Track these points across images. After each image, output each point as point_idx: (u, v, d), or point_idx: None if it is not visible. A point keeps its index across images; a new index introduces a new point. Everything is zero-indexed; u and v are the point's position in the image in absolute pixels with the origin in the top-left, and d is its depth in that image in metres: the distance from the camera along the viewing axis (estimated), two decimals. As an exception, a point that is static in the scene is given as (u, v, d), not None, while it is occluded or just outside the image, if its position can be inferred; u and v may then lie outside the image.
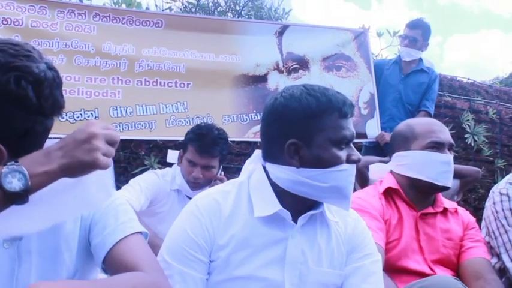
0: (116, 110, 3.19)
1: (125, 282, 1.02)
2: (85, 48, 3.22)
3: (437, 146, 1.82)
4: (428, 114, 3.90)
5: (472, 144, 5.52)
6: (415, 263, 1.71)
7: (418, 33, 3.88)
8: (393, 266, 1.68)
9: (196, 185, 2.49)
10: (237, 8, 7.29)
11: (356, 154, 1.26)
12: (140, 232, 1.19)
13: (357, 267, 1.32)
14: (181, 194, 2.59)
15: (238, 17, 7.13)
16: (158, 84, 3.34)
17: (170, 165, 2.76)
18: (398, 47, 4.14)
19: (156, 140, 3.82)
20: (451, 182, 1.82)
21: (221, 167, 2.61)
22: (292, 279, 1.24)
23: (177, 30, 3.49)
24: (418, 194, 1.84)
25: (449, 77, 6.84)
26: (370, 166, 2.80)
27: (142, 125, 3.23)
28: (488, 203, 1.91)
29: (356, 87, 3.88)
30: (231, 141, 2.79)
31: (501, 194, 1.84)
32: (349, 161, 1.25)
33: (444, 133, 1.85)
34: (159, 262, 1.18)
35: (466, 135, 5.52)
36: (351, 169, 1.25)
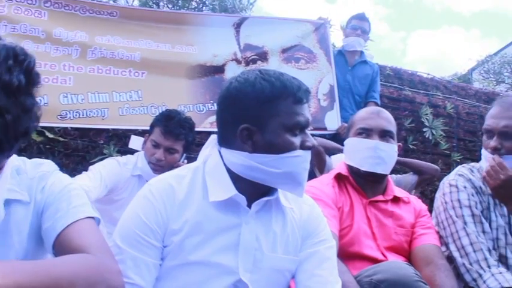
0: (67, 97, 3.07)
1: (67, 263, 0.99)
2: (35, 33, 3.09)
3: (365, 132, 1.87)
4: (377, 105, 4.00)
5: (430, 138, 5.63)
6: (368, 248, 1.73)
7: (366, 25, 4.01)
8: (347, 252, 1.70)
9: (158, 167, 2.47)
10: (202, -4, 7.20)
11: (310, 140, 1.24)
12: (93, 217, 1.17)
13: (312, 252, 1.32)
14: (141, 180, 2.55)
15: (202, 6, 7.04)
16: (111, 72, 3.24)
17: (131, 153, 2.72)
18: (342, 37, 4.20)
19: (116, 129, 3.74)
20: (381, 168, 1.84)
21: (184, 155, 2.60)
22: (246, 265, 1.23)
23: (132, 20, 3.41)
24: (367, 181, 1.87)
25: (410, 72, 6.94)
26: (333, 157, 2.83)
27: (94, 113, 3.13)
28: (438, 194, 1.93)
29: (315, 79, 3.87)
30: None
31: (450, 185, 1.87)
32: (303, 147, 1.23)
33: (376, 120, 1.87)
34: (110, 247, 1.15)
35: (424, 129, 5.62)
36: (305, 155, 1.23)
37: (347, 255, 1.69)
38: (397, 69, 6.75)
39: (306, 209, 1.38)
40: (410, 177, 3.21)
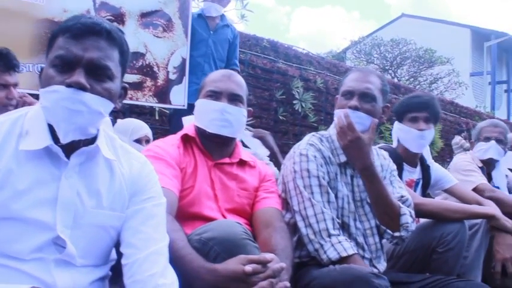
0: None
1: None
2: None
3: (214, 95, 1.86)
4: (238, 72, 4.04)
5: (300, 110, 5.84)
6: (209, 210, 1.73)
7: None
8: (187, 213, 1.69)
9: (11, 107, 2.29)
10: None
11: (73, 79, 1.14)
12: None
13: (138, 209, 1.30)
14: None
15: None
16: None
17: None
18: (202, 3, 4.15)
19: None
20: (227, 131, 1.84)
21: None
22: (65, 220, 1.18)
23: None
24: (214, 144, 1.86)
25: (286, 46, 7.12)
26: (184, 118, 2.79)
27: None
28: (288, 162, 1.96)
29: (169, 50, 3.70)
30: (27, 93, 2.57)
31: (301, 154, 1.90)
32: (64, 83, 1.15)
33: (226, 83, 1.87)
34: None
35: (294, 101, 5.82)
36: (64, 92, 1.14)
37: (187, 215, 1.68)
38: (274, 42, 6.88)
39: (137, 166, 1.35)
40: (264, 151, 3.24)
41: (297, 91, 5.85)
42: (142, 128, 2.89)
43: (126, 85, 1.34)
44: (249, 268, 1.28)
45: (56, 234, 1.16)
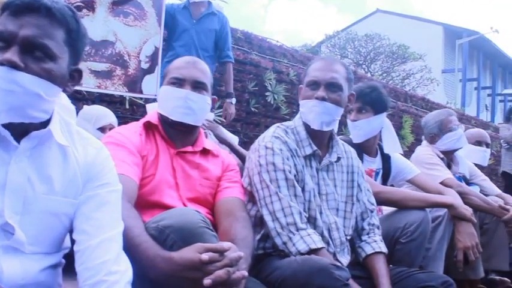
0: None
1: None
2: None
3: (178, 82, 1.82)
4: (232, 64, 4.08)
5: (272, 102, 5.83)
6: (170, 198, 1.70)
7: None
8: (147, 201, 1.66)
9: None
10: None
11: (5, 56, 1.08)
12: None
13: (91, 195, 1.27)
14: None
15: None
16: None
17: None
18: None
19: None
20: (190, 119, 1.80)
21: None
22: (14, 206, 1.15)
23: None
24: (177, 132, 1.83)
25: (260, 38, 7.08)
26: (148, 105, 2.75)
27: None
28: (253, 155, 1.92)
29: (141, 39, 3.64)
30: None
31: (266, 147, 1.87)
32: None
33: (190, 70, 1.83)
34: None
35: (267, 93, 5.80)
36: None
37: (147, 204, 1.66)
38: (248, 34, 6.83)
39: (92, 152, 1.31)
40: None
41: (270, 83, 5.83)
42: (106, 115, 2.83)
43: (80, 68, 1.27)
44: (205, 256, 1.25)
45: (4, 220, 1.13)
